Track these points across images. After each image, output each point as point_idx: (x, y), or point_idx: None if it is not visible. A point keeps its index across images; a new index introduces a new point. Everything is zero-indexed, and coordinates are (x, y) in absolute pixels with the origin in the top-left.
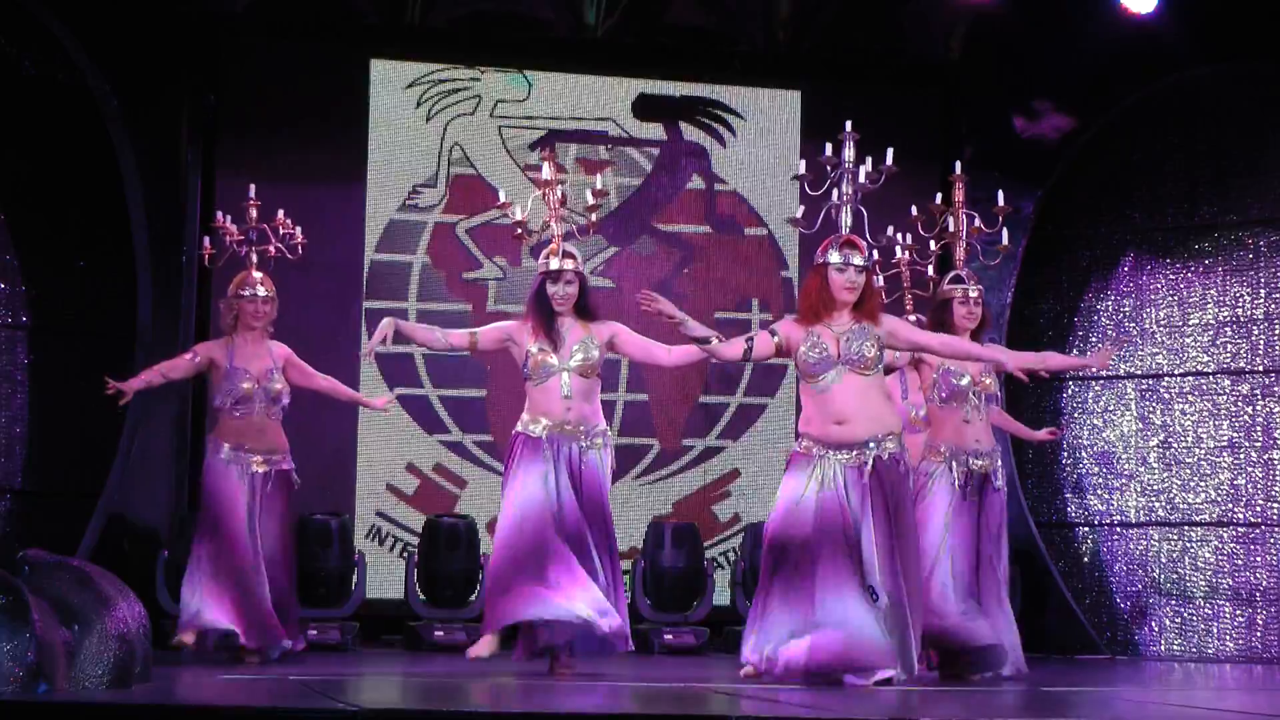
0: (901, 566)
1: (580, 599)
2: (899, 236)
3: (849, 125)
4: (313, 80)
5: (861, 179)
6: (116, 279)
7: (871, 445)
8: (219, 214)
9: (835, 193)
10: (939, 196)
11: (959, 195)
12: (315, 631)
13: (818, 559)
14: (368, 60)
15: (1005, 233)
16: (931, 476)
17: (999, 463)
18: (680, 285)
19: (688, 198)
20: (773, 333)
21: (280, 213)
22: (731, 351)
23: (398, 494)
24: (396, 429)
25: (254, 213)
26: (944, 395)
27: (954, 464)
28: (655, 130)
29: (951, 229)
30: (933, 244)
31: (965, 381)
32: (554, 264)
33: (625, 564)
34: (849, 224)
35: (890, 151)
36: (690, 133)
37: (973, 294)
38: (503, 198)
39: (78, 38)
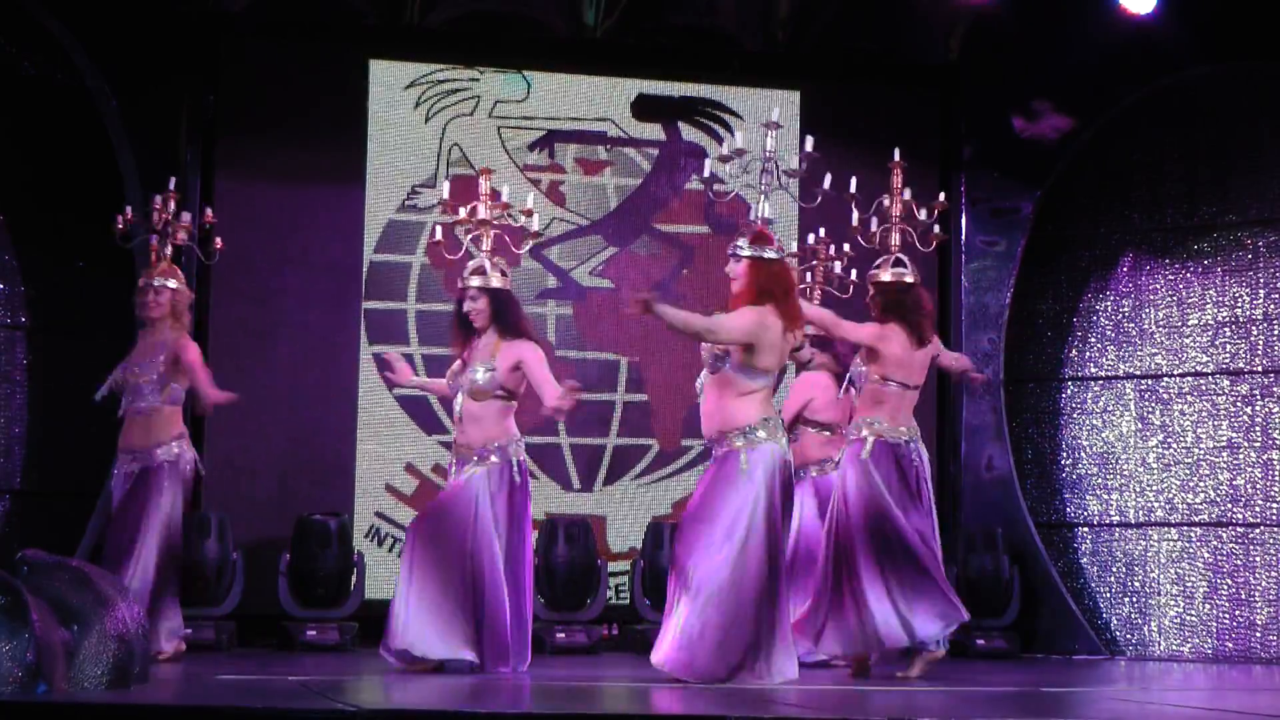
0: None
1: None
2: (821, 232)
3: (775, 114)
4: (312, 81)
5: (786, 168)
6: (115, 279)
7: (713, 441)
8: (128, 209)
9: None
10: (854, 183)
11: (897, 181)
12: (314, 632)
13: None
14: (366, 61)
15: (937, 226)
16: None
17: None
18: (679, 285)
19: (687, 198)
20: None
21: (209, 210)
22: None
23: (397, 494)
24: (396, 429)
25: (171, 204)
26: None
27: (876, 440)
28: (654, 130)
29: (896, 215)
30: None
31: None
32: (463, 280)
33: (624, 564)
34: (763, 214)
35: (810, 139)
36: (689, 133)
37: (909, 280)
38: (441, 192)
39: (77, 38)
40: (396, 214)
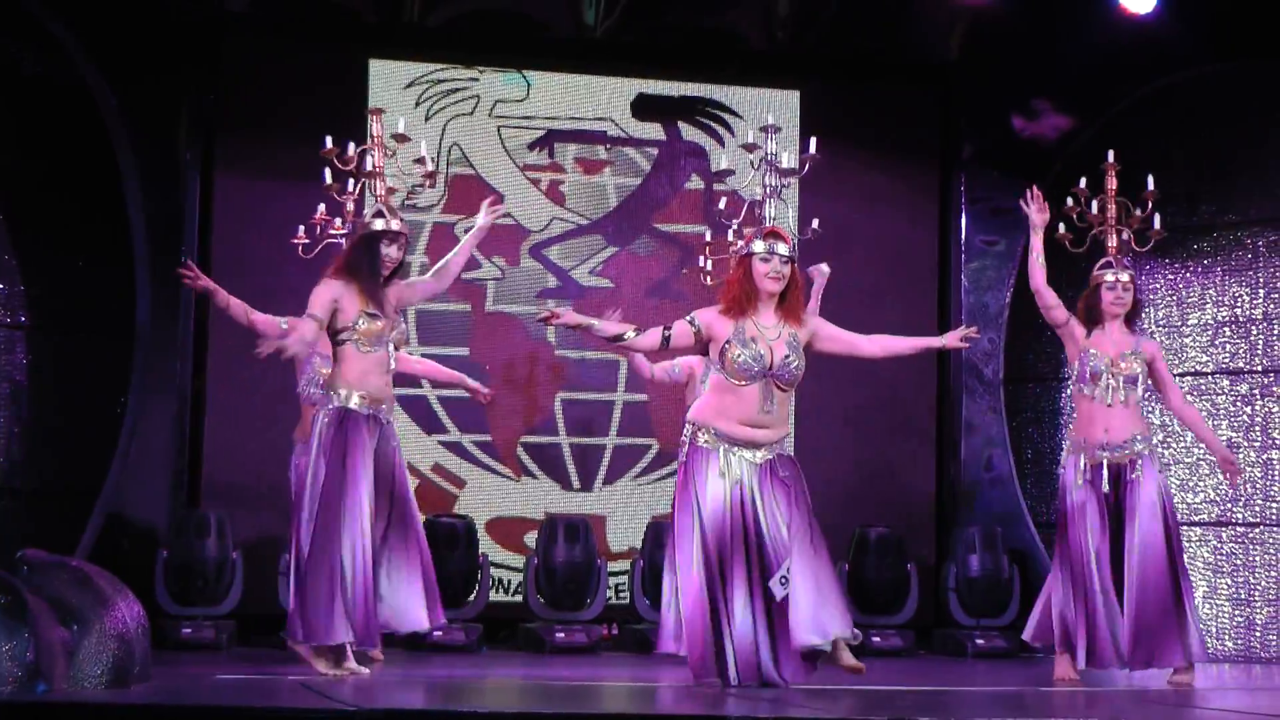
0: (813, 546)
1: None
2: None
3: (770, 118)
4: (311, 80)
5: (784, 165)
6: (115, 278)
7: (775, 445)
8: (322, 207)
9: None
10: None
11: (1112, 184)
12: None
13: (733, 565)
14: (366, 60)
15: (1157, 217)
16: (1070, 471)
17: (1141, 450)
18: (679, 285)
19: (686, 197)
20: (691, 321)
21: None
22: (649, 341)
23: None
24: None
25: (350, 206)
26: (1080, 378)
27: (1082, 456)
28: (654, 130)
29: (1110, 216)
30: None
31: (1104, 364)
32: (384, 224)
33: (624, 564)
34: (773, 216)
35: (813, 140)
36: (689, 132)
37: (1123, 278)
38: (329, 143)
39: (77, 37)
40: None
